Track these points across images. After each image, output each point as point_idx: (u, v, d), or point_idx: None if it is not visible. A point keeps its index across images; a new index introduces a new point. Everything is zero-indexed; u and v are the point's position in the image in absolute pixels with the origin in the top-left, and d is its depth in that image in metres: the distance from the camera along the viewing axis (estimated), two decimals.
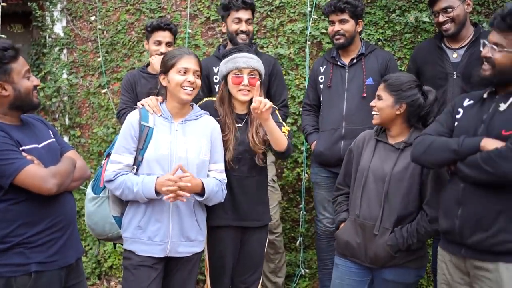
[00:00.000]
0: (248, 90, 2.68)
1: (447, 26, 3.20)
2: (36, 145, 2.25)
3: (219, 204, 2.68)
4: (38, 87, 2.28)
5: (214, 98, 2.87)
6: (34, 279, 2.16)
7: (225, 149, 2.69)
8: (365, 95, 3.33)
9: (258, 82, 2.66)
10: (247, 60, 2.70)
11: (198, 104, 2.83)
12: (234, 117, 2.75)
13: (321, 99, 3.50)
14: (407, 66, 3.56)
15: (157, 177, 2.44)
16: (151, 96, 2.65)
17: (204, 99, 2.92)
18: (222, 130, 2.70)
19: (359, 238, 2.56)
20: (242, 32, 3.42)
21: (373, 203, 2.54)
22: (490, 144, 2.05)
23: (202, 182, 2.49)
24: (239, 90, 2.69)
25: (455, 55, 3.23)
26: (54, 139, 2.38)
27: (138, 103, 2.64)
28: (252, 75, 2.69)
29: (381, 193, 2.52)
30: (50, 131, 2.40)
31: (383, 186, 2.52)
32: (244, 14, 3.42)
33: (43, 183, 2.11)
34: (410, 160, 2.47)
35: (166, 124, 2.57)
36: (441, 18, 3.20)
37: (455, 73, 3.19)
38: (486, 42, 2.15)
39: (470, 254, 2.17)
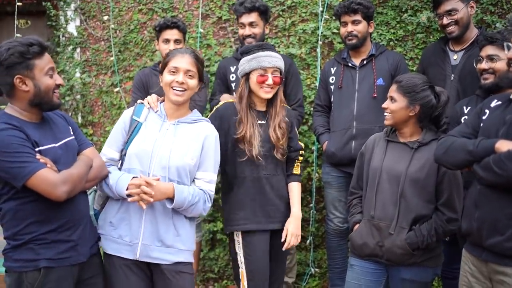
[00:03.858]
0: (272, 88, 2.71)
1: (451, 28, 3.22)
2: (54, 145, 2.24)
3: (249, 207, 2.68)
4: (61, 86, 2.26)
5: (231, 100, 2.87)
6: (44, 274, 2.18)
7: (250, 145, 2.67)
8: (375, 95, 3.34)
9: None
10: (272, 60, 2.71)
11: (216, 107, 2.81)
12: (255, 114, 2.74)
13: (332, 100, 3.51)
14: (417, 67, 3.56)
15: (133, 177, 2.35)
16: (152, 95, 2.63)
17: (221, 102, 2.90)
18: (240, 126, 2.68)
19: (375, 239, 2.56)
20: (247, 36, 3.45)
21: (388, 203, 2.54)
22: (504, 146, 2.03)
23: (174, 188, 2.34)
24: (262, 87, 2.70)
25: (455, 57, 3.26)
26: (72, 137, 2.36)
27: (139, 100, 2.62)
28: (275, 74, 2.71)
29: (396, 193, 2.52)
30: (70, 127, 2.39)
31: (398, 185, 2.52)
32: (248, 18, 3.45)
33: (53, 190, 2.11)
34: (425, 160, 2.48)
35: (159, 122, 2.50)
36: (445, 21, 3.23)
37: (453, 75, 3.21)
38: (510, 44, 2.12)
39: (490, 257, 2.16)
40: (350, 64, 3.46)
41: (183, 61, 2.45)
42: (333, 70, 3.52)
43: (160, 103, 2.58)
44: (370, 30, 3.46)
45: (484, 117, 2.26)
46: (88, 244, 2.35)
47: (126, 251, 2.39)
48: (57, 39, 4.71)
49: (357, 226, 2.69)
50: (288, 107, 2.94)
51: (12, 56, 2.09)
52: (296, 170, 2.87)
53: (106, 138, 4.38)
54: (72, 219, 2.26)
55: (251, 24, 3.46)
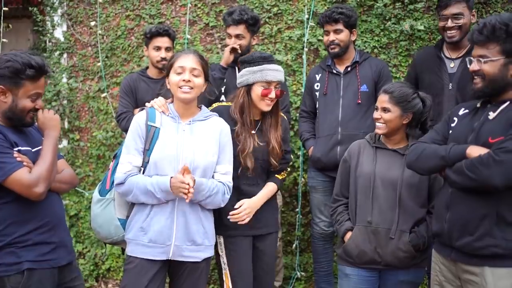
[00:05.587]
0: (272, 101, 2.72)
1: (453, 32, 3.19)
2: (30, 149, 2.30)
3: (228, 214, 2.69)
4: (38, 110, 2.32)
5: (224, 104, 2.84)
6: (27, 277, 2.19)
7: (243, 157, 2.68)
8: (359, 101, 3.41)
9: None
10: (277, 74, 2.71)
11: (209, 109, 2.81)
12: (251, 125, 2.74)
13: (317, 106, 3.57)
14: (407, 72, 3.59)
15: (171, 177, 2.40)
16: (159, 97, 2.65)
17: (214, 105, 2.87)
18: (238, 138, 2.69)
19: (372, 244, 2.60)
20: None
21: (385, 208, 2.60)
22: (475, 151, 2.14)
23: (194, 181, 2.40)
24: (263, 100, 2.69)
25: (452, 65, 3.23)
26: None
27: (147, 104, 2.64)
28: (277, 87, 2.72)
29: (393, 198, 2.59)
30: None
31: (395, 191, 2.59)
32: (234, 30, 3.47)
33: (29, 192, 2.16)
34: None
35: (173, 124, 2.54)
36: (449, 23, 3.18)
37: (450, 84, 3.20)
38: (472, 58, 2.25)
39: (458, 257, 2.25)
40: (334, 71, 3.52)
41: (188, 60, 2.51)
42: (318, 77, 3.58)
43: (169, 104, 2.61)
44: (353, 38, 3.52)
45: (453, 125, 2.37)
46: (67, 248, 2.39)
47: (159, 253, 2.47)
48: (43, 44, 4.71)
49: (349, 234, 2.69)
50: (284, 116, 2.94)
51: (7, 68, 2.17)
52: (280, 175, 2.89)
53: (93, 143, 4.49)
54: (51, 220, 2.30)
55: (237, 36, 3.48)
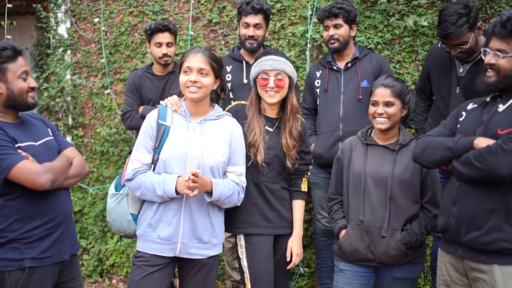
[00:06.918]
0: (277, 92, 2.69)
1: (459, 55, 3.06)
2: (33, 143, 2.30)
3: (251, 211, 2.70)
4: (35, 89, 2.33)
5: (244, 102, 2.87)
6: (28, 274, 2.20)
7: (256, 150, 2.67)
8: (360, 97, 3.41)
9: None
10: (273, 63, 2.69)
11: (227, 108, 2.83)
12: (263, 120, 2.75)
13: (318, 102, 3.57)
14: (423, 67, 3.53)
15: (178, 176, 2.42)
16: (173, 95, 2.66)
17: (234, 103, 2.91)
18: (250, 132, 2.69)
19: (365, 242, 2.61)
20: (250, 37, 3.48)
21: (377, 206, 2.59)
22: (482, 142, 2.12)
23: (212, 182, 2.45)
24: (266, 91, 2.69)
25: (461, 69, 3.16)
26: (52, 137, 2.41)
27: (161, 102, 2.65)
28: (279, 77, 2.69)
29: (384, 196, 2.58)
30: (49, 129, 2.44)
31: (386, 188, 2.58)
32: (253, 19, 3.46)
33: (37, 178, 2.16)
34: (408, 161, 2.55)
35: (184, 122, 2.55)
36: (454, 52, 3.04)
37: (458, 87, 3.15)
38: (488, 50, 2.19)
39: (466, 254, 2.22)
40: (335, 67, 3.53)
41: (195, 60, 2.50)
42: (318, 74, 3.58)
43: (182, 102, 2.62)
44: (353, 34, 3.52)
45: (461, 119, 2.34)
46: (69, 242, 2.40)
47: (166, 250, 2.50)
48: (47, 41, 4.73)
49: (343, 232, 2.72)
50: (302, 119, 2.92)
51: None
52: (304, 187, 2.86)
53: (97, 139, 4.51)
54: (56, 216, 2.30)
55: (256, 26, 3.47)
